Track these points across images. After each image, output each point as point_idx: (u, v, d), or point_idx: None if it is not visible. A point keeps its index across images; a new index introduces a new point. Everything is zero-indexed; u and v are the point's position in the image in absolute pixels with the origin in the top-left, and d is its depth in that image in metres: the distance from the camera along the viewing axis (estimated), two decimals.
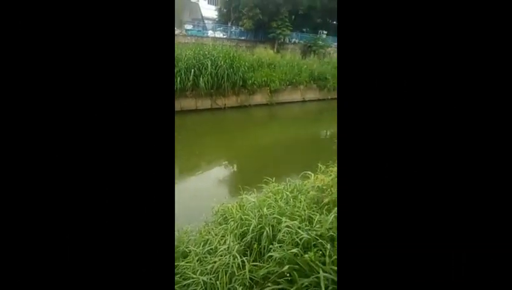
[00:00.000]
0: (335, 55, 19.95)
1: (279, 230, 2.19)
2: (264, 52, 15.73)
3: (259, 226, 2.35)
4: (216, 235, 2.53)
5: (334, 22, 23.44)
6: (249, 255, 2.15)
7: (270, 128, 11.91)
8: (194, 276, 1.97)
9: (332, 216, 2.08)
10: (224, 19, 20.54)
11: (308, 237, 1.96)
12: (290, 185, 3.51)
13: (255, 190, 3.53)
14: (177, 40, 14.47)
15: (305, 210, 2.47)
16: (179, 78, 11.29)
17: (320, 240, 1.92)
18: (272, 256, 1.97)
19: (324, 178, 3.14)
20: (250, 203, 2.88)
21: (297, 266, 1.76)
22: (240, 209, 2.91)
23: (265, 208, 2.54)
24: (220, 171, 7.53)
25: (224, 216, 3.04)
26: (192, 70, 11.71)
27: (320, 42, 19.97)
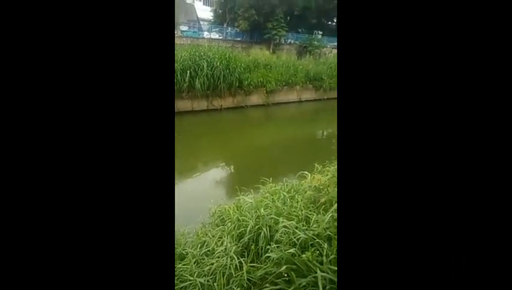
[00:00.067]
0: (330, 55, 20.06)
1: (277, 230, 2.19)
2: (260, 53, 15.75)
3: (256, 227, 2.35)
4: (213, 236, 2.52)
5: (329, 23, 23.60)
6: (246, 256, 2.15)
7: (266, 129, 11.93)
8: (191, 278, 1.96)
9: (329, 216, 2.08)
10: (219, 20, 20.54)
11: (306, 237, 1.96)
12: (287, 185, 3.51)
13: (252, 190, 3.52)
14: None
15: (302, 210, 2.48)
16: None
17: (317, 240, 1.92)
18: (269, 257, 1.96)
19: (321, 178, 3.15)
20: (247, 204, 2.88)
21: (294, 266, 1.76)
22: (237, 210, 2.91)
23: (262, 209, 2.53)
24: (216, 172, 7.52)
25: (221, 217, 3.04)
26: (188, 71, 11.68)
27: (316, 42, 20.05)
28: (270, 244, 2.08)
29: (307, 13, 20.30)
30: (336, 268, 1.63)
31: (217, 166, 8.01)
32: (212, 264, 2.05)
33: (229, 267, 1.98)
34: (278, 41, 18.78)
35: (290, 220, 2.24)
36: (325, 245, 1.80)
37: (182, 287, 1.93)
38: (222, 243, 2.29)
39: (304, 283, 1.64)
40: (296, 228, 2.10)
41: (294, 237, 1.99)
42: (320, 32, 22.82)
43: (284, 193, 3.04)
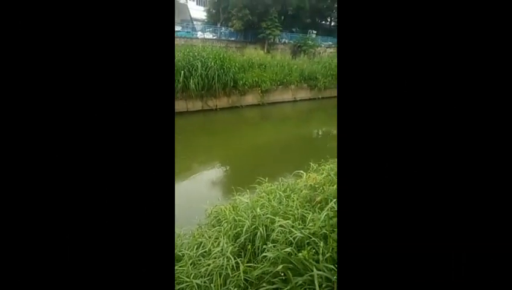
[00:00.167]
0: (325, 54, 20.15)
1: (273, 230, 2.19)
2: (255, 53, 15.74)
3: (252, 226, 2.35)
4: (209, 237, 2.51)
5: (323, 22, 23.71)
6: (243, 256, 2.14)
7: (262, 129, 11.93)
8: (188, 279, 1.95)
9: (325, 214, 2.09)
10: (213, 20, 20.47)
11: (302, 235, 1.97)
12: (282, 184, 3.52)
13: (248, 190, 3.52)
14: None
15: (298, 209, 2.48)
16: None
17: (313, 238, 1.93)
18: (266, 256, 1.96)
19: (316, 177, 3.16)
20: (243, 204, 2.88)
21: (291, 265, 1.76)
22: (233, 210, 2.90)
23: (258, 209, 2.53)
24: (212, 173, 7.50)
25: (217, 218, 3.03)
26: (182, 72, 11.60)
27: (310, 42, 20.11)
28: (266, 244, 2.08)
29: (301, 13, 20.36)
30: (332, 266, 1.64)
31: (213, 166, 7.99)
32: (209, 265, 2.04)
33: (226, 267, 1.97)
34: (272, 41, 18.80)
35: (286, 219, 2.24)
36: (321, 243, 1.81)
37: (178, 289, 1.92)
38: (218, 244, 2.29)
39: (300, 282, 1.65)
40: (292, 227, 2.10)
41: (291, 236, 2.00)
42: (315, 32, 22.91)
43: (280, 192, 3.04)
